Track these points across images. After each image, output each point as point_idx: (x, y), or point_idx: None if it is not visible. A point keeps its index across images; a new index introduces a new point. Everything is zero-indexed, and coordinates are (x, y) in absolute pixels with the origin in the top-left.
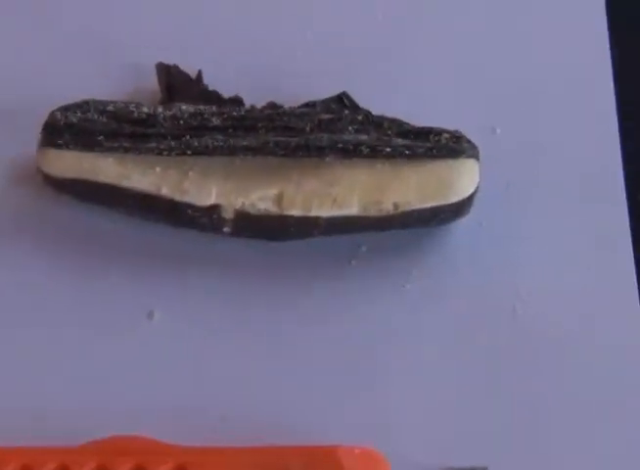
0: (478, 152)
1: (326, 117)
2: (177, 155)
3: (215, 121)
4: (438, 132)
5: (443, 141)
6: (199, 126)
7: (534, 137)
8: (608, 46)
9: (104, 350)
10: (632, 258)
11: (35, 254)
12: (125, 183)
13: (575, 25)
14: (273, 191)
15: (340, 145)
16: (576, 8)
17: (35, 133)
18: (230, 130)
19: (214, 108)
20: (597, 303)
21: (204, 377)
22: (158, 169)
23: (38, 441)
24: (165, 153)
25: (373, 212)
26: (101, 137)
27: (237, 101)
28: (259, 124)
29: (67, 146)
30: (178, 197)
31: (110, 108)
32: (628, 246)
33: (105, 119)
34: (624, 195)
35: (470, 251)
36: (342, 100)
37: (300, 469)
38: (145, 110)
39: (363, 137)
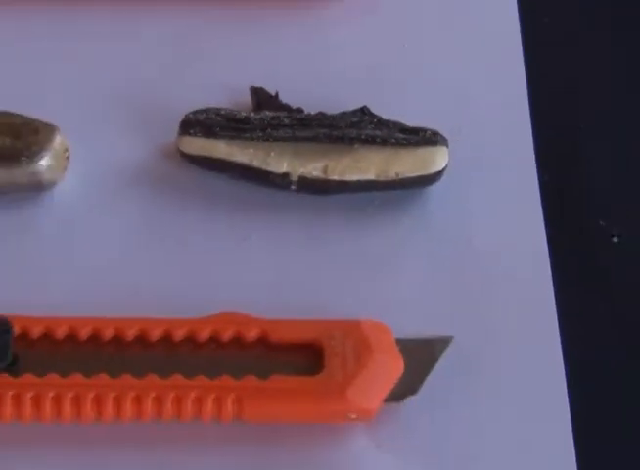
0: (447, 142)
1: (355, 119)
2: (263, 141)
3: (286, 121)
4: (424, 130)
5: (427, 135)
6: (276, 124)
7: (478, 134)
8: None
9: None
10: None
11: (172, 207)
12: (232, 158)
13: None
14: (321, 164)
15: (363, 137)
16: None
17: (175, 127)
18: (295, 127)
19: (286, 113)
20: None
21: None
22: (251, 150)
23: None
24: (255, 140)
25: (382, 178)
26: (217, 129)
27: (299, 110)
28: (314, 123)
29: (195, 134)
30: (264, 167)
31: (222, 112)
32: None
33: (219, 119)
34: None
35: (442, 204)
36: (364, 110)
37: (340, 338)
38: (243, 114)
39: (377, 132)
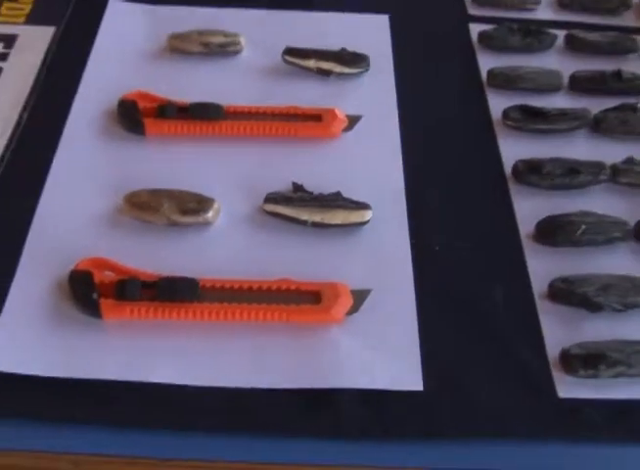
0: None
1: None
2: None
3: (308, 198)
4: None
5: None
6: (306, 198)
7: None
8: None
9: None
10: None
11: None
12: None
13: None
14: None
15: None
16: None
17: None
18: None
19: (308, 194)
20: None
21: None
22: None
23: None
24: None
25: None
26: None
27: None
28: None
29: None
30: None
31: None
32: None
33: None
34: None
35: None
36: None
37: (328, 289)
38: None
39: None
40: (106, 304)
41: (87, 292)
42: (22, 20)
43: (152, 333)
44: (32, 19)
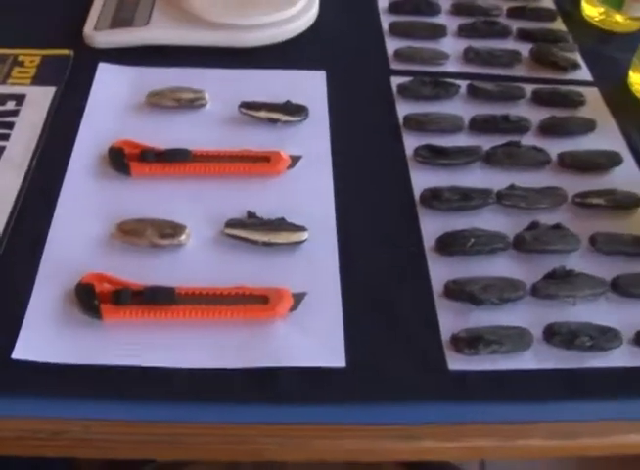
0: None
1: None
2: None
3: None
4: None
5: None
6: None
7: None
8: None
9: None
10: None
11: None
12: None
13: None
14: None
15: None
16: None
17: None
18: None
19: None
20: None
21: None
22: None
23: None
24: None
25: None
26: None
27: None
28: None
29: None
30: None
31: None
32: None
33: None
34: None
35: None
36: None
37: (273, 294)
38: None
39: None
40: (105, 308)
41: (90, 300)
42: (28, 81)
43: (140, 329)
44: (37, 81)
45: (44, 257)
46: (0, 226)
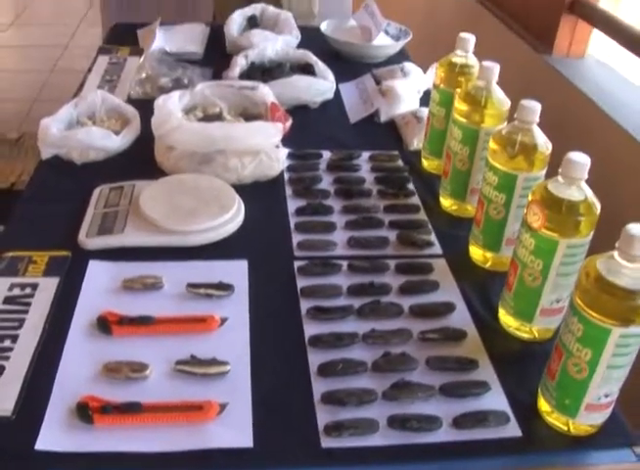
0: None
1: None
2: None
3: None
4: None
5: None
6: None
7: None
8: None
9: None
10: None
11: None
12: None
13: None
14: None
15: None
16: None
17: None
18: None
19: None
20: None
21: None
22: None
23: None
24: None
25: None
26: None
27: None
28: None
29: None
30: None
31: None
32: None
33: None
34: None
35: None
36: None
37: None
38: None
39: None
40: (96, 417)
41: (86, 412)
42: (40, 274)
43: (119, 429)
44: (46, 273)
45: (55, 387)
46: (26, 362)
